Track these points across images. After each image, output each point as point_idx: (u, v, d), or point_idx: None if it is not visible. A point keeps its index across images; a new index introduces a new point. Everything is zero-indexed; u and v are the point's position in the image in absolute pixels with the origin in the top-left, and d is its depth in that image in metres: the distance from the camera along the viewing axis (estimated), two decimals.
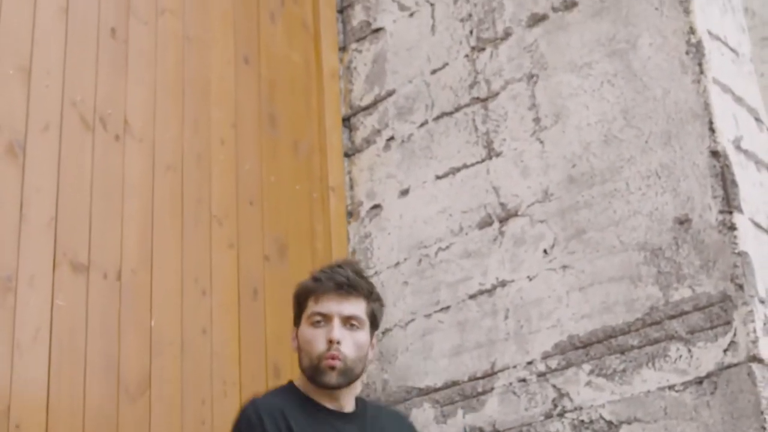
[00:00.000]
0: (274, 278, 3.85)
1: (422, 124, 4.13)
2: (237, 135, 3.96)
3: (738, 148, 3.41)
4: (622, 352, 3.33)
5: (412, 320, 3.90)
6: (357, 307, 2.98)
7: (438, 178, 4.02)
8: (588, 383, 3.38)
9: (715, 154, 3.33)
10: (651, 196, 3.42)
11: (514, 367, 3.57)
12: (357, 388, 3.07)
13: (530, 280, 3.62)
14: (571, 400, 3.41)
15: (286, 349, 3.75)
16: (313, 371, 2.92)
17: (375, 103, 4.33)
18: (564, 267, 3.55)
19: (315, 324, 2.94)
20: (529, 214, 3.70)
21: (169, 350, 3.41)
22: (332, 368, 2.89)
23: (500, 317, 3.66)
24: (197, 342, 3.50)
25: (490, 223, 3.80)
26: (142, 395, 3.27)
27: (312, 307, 2.97)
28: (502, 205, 3.79)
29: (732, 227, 3.23)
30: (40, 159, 3.28)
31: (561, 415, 3.41)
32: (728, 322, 3.15)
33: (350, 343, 2.93)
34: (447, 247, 3.89)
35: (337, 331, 2.92)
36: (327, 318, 2.94)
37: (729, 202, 3.26)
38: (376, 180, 4.22)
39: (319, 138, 4.30)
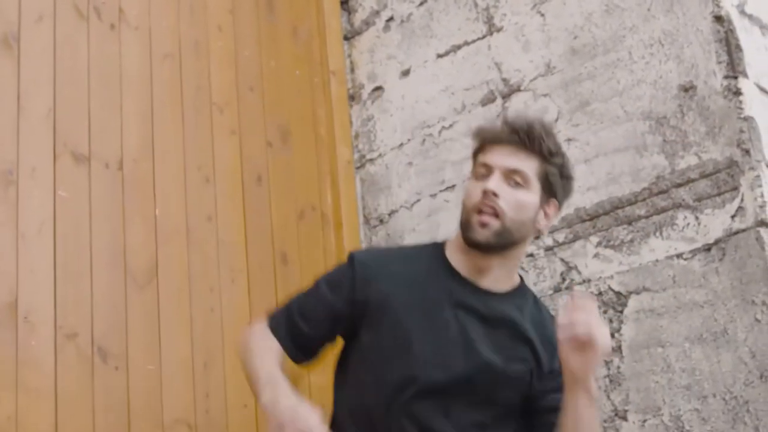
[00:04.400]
0: (278, 164, 3.82)
1: (421, 3, 4.07)
2: (235, 21, 3.90)
3: (742, 12, 3.35)
4: (630, 223, 3.32)
5: (418, 201, 3.88)
6: (525, 163, 2.66)
7: (439, 56, 3.97)
8: (596, 255, 3.37)
9: (718, 18, 3.27)
10: (654, 64, 3.37)
11: None
12: (513, 265, 2.76)
13: None
14: (579, 272, 3.40)
15: (293, 235, 3.75)
16: (465, 226, 2.66)
17: None
18: (568, 140, 3.51)
19: (477, 176, 2.68)
20: (531, 88, 3.66)
21: (175, 238, 3.40)
22: (483, 225, 2.62)
23: None
24: (203, 230, 3.49)
25: (493, 100, 3.76)
26: (149, 283, 3.27)
27: (480, 158, 2.71)
28: (504, 80, 3.75)
29: (737, 92, 3.19)
30: (35, 50, 3.23)
31: (570, 288, 3.41)
32: (735, 188, 3.12)
33: (510, 200, 2.63)
34: (450, 126, 3.85)
35: (494, 181, 2.63)
36: (489, 169, 2.66)
37: (734, 67, 3.22)
38: (377, 62, 4.18)
39: (317, 22, 4.24)
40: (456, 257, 2.73)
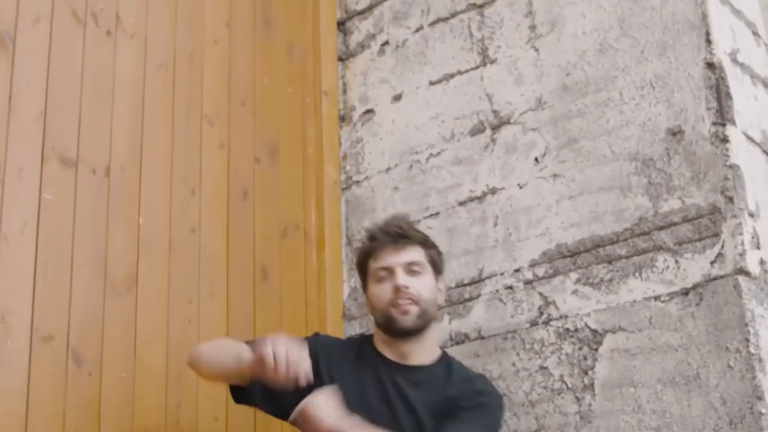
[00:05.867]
0: (265, 180, 3.83)
1: (417, 30, 4.09)
2: (231, 35, 3.91)
3: (734, 60, 3.38)
4: (610, 262, 3.33)
5: None
6: (415, 254, 3.04)
7: (431, 84, 3.99)
8: (574, 292, 3.39)
9: (710, 65, 3.30)
10: (644, 106, 3.40)
11: (502, 274, 3.57)
12: (431, 342, 3.09)
13: (520, 188, 3.61)
14: (557, 308, 3.41)
15: (274, 251, 3.76)
16: (387, 321, 2.99)
17: (370, 8, 4.28)
18: (554, 175, 3.53)
19: (380, 280, 3.01)
20: (521, 122, 3.68)
21: (157, 248, 3.40)
22: (405, 313, 2.96)
23: (489, 224, 3.65)
24: (185, 241, 3.49)
25: (482, 130, 3.78)
26: (128, 291, 3.27)
27: (373, 265, 3.04)
28: (494, 112, 3.77)
29: (724, 139, 3.21)
30: (30, 52, 3.23)
31: (546, 322, 3.42)
32: (716, 234, 3.14)
33: (418, 286, 2.98)
34: (438, 154, 3.87)
35: (401, 277, 2.97)
36: (389, 271, 3.00)
37: (722, 115, 3.24)
38: (370, 85, 4.19)
39: (313, 41, 4.26)
40: (382, 344, 3.06)
